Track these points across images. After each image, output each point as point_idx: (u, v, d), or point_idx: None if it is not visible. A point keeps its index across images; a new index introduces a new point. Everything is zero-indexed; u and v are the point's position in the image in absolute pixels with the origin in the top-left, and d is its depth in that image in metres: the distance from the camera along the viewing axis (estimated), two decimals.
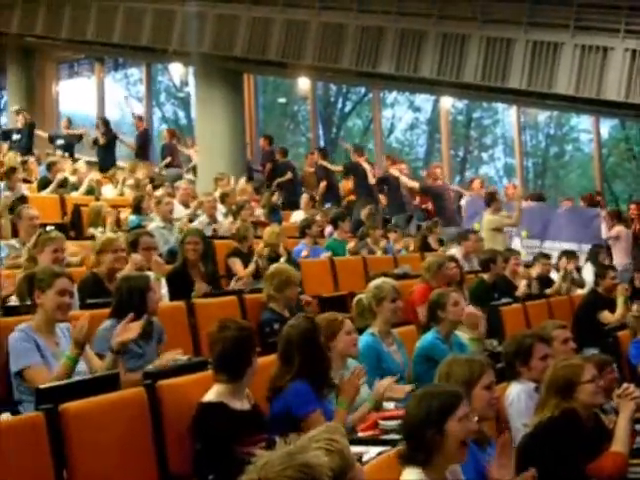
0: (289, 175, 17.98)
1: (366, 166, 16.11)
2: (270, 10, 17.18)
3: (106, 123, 18.95)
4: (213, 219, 11.72)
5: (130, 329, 5.40)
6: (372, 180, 16.09)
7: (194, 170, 18.27)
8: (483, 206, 13.82)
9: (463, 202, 15.85)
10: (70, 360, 5.16)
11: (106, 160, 17.80)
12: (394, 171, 15.89)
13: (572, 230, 14.46)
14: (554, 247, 14.10)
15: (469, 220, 15.12)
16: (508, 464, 4.39)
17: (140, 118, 20.00)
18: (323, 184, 17.39)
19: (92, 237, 10.00)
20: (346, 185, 17.48)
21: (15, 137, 19.14)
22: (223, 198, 12.65)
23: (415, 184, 16.05)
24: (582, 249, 14.02)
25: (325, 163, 17.67)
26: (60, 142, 18.86)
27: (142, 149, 19.01)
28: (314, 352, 5.37)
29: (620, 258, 13.97)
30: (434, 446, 3.85)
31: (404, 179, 15.83)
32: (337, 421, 4.90)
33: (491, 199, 13.35)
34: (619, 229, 14.35)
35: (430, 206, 16.38)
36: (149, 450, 4.83)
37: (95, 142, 18.49)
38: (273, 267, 8.10)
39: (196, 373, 5.38)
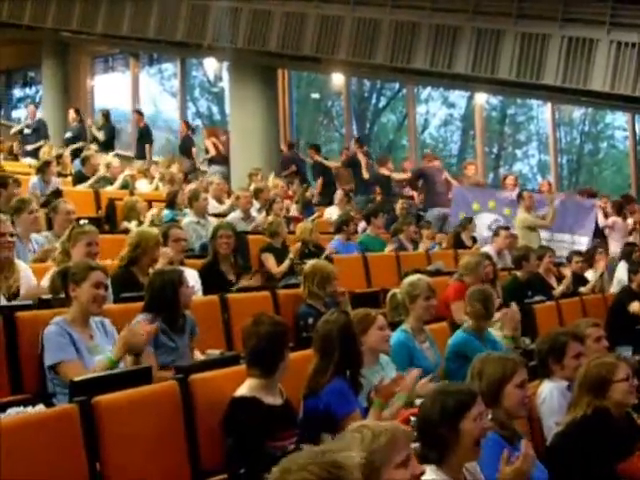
0: (293, 168, 18.06)
1: (362, 159, 16.18)
2: (304, 5, 17.19)
3: (107, 117, 19.00)
4: (247, 214, 11.73)
5: (139, 333, 5.42)
6: (365, 175, 16.34)
7: (210, 162, 18.33)
8: (471, 197, 14.69)
9: (454, 192, 15.82)
10: (111, 363, 5.21)
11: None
12: (384, 171, 16.46)
13: (567, 221, 14.46)
14: (549, 238, 14.15)
15: (456, 208, 15.17)
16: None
17: (140, 113, 20.06)
18: (320, 181, 17.52)
19: (126, 231, 10.05)
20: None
21: (26, 131, 19.24)
22: (257, 193, 12.66)
23: (405, 175, 16.66)
24: (575, 240, 14.33)
25: (320, 159, 17.79)
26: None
27: (140, 144, 18.94)
28: (353, 347, 5.38)
29: (613, 247, 14.17)
30: (448, 444, 3.86)
31: (394, 175, 16.46)
32: (371, 419, 4.90)
33: (522, 197, 13.38)
34: (614, 219, 14.61)
35: (416, 195, 16.80)
36: (181, 444, 4.84)
37: (94, 139, 18.54)
38: (313, 264, 8.11)
39: (229, 367, 5.39)
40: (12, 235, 6.57)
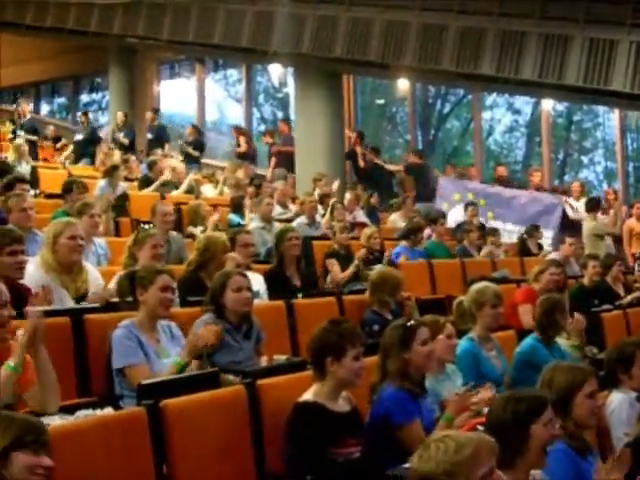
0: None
1: (358, 150, 17.00)
2: (370, 11, 17.12)
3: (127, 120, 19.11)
4: (313, 220, 11.72)
5: (205, 335, 5.43)
6: (361, 163, 17.42)
7: (239, 157, 18.49)
8: (453, 189, 15.82)
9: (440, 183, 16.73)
10: (180, 366, 5.23)
11: None
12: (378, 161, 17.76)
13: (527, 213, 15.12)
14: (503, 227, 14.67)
15: (440, 200, 16.01)
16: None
17: (155, 111, 20.12)
18: None
19: (191, 236, 10.11)
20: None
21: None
22: (322, 199, 12.66)
23: (397, 167, 17.80)
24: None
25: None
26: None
27: (155, 143, 18.82)
28: (412, 356, 5.32)
29: None
30: (518, 449, 3.83)
31: (387, 166, 17.85)
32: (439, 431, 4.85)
33: (592, 206, 13.30)
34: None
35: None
36: (247, 449, 4.85)
37: (115, 140, 18.67)
38: (380, 271, 8.11)
39: (295, 373, 5.38)
40: (82, 238, 6.64)
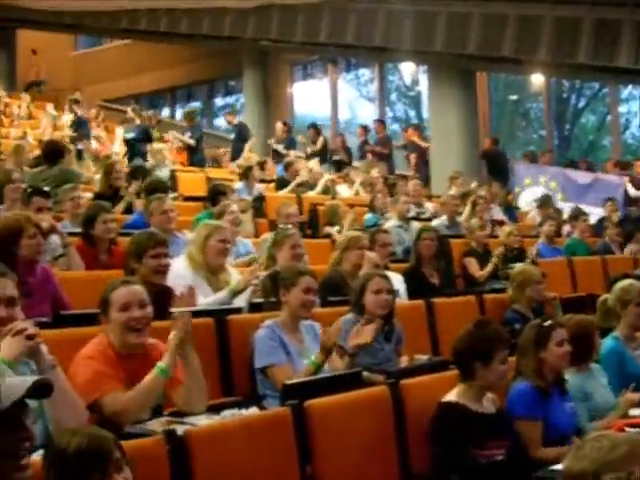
0: None
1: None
2: (503, 6, 16.89)
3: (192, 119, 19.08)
4: (453, 221, 11.60)
5: (364, 333, 5.44)
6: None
7: (312, 155, 18.33)
8: (526, 173, 17.28)
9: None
10: (315, 365, 5.24)
11: (194, 160, 17.64)
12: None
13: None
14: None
15: (513, 184, 17.32)
16: None
17: (231, 114, 20.11)
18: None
19: (328, 236, 10.15)
20: None
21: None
22: (462, 197, 12.55)
23: None
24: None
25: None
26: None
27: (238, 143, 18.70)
28: (547, 356, 5.24)
29: None
30: None
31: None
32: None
33: None
34: None
35: None
36: (391, 449, 4.85)
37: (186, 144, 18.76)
38: (522, 269, 8.09)
39: (438, 373, 5.35)
40: (229, 242, 6.74)
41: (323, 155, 18.58)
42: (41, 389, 2.55)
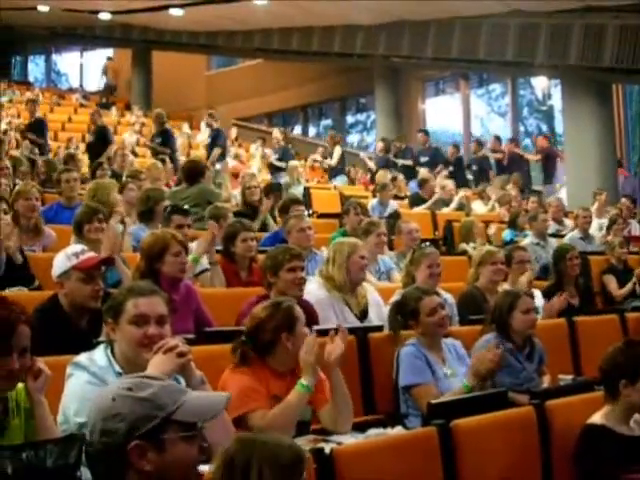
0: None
1: None
2: (638, 17, 16.59)
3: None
4: (586, 234, 11.43)
5: (487, 360, 5.34)
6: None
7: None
8: None
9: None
10: (467, 389, 5.18)
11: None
12: None
13: None
14: None
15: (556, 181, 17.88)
16: None
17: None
18: None
19: (464, 252, 10.09)
20: None
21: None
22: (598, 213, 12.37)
23: None
24: None
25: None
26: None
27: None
28: None
29: None
30: None
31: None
32: None
33: None
34: None
35: None
36: (536, 470, 4.76)
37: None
38: None
39: (583, 394, 5.25)
40: (363, 257, 6.74)
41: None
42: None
